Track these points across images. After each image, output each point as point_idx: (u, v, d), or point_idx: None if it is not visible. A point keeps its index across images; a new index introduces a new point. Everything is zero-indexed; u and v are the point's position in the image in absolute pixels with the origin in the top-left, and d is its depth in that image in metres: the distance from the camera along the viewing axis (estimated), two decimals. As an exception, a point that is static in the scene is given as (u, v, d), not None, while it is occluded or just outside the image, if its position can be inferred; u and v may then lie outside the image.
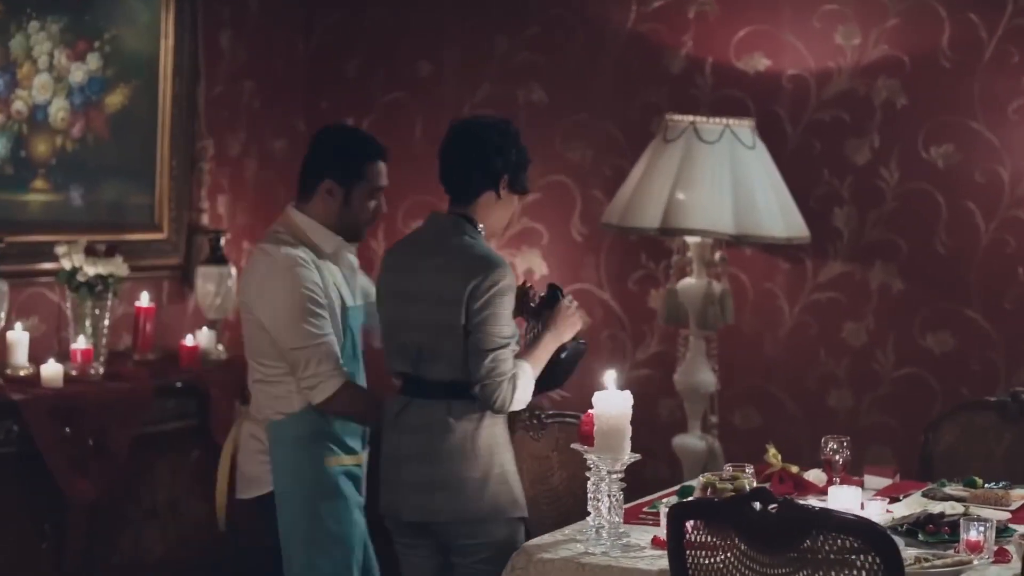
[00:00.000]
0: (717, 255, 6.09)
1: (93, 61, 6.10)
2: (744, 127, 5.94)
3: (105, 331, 5.80)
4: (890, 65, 6.18)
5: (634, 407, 6.90)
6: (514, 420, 4.49)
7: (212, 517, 4.84)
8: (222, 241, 6.42)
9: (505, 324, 4.06)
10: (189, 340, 6.09)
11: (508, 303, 4.08)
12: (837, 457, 4.36)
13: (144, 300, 6.09)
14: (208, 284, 6.35)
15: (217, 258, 6.39)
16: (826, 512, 3.38)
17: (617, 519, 3.91)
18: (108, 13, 6.14)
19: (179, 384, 5.85)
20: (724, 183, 5.81)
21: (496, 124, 4.26)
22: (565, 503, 4.64)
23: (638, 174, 6.04)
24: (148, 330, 6.08)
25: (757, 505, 3.32)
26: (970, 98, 6.07)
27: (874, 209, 6.21)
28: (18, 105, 5.81)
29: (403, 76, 6.98)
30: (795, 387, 6.36)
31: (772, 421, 6.36)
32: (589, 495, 3.96)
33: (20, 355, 5.58)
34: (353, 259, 4.67)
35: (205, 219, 6.57)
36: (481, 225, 4.22)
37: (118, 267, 5.80)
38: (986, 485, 4.46)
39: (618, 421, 3.89)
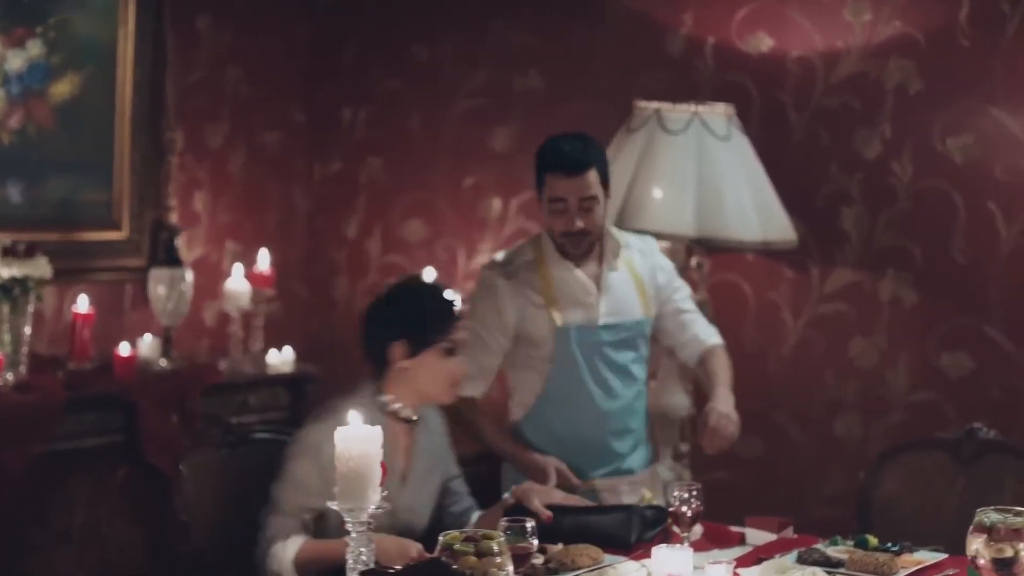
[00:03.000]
0: (693, 261, 5.34)
1: (34, 47, 5.69)
2: (718, 115, 5.17)
3: (27, 337, 5.38)
4: (903, 44, 5.38)
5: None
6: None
7: (141, 539, 4.60)
8: (177, 241, 5.94)
9: None
10: (124, 349, 5.61)
11: None
12: (684, 509, 3.61)
13: (82, 305, 5.66)
14: (159, 287, 5.87)
15: (171, 259, 5.90)
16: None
17: (362, 581, 3.28)
18: (51, -2, 5.73)
19: (100, 396, 5.37)
20: (687, 178, 5.06)
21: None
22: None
23: (599, 169, 5.34)
24: (86, 337, 5.63)
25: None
26: (991, 80, 5.23)
27: (885, 209, 5.42)
28: (-60, 94, 5.46)
29: (399, 63, 6.41)
30: (799, 411, 5.60)
31: (775, 449, 5.62)
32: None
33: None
34: (582, 278, 4.41)
35: (174, 217, 6.10)
36: None
37: (38, 268, 5.37)
38: (885, 546, 3.69)
39: (360, 463, 3.22)
